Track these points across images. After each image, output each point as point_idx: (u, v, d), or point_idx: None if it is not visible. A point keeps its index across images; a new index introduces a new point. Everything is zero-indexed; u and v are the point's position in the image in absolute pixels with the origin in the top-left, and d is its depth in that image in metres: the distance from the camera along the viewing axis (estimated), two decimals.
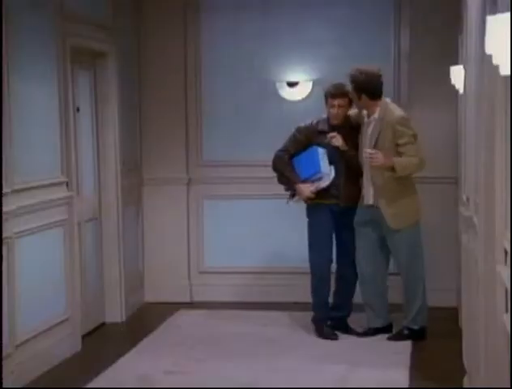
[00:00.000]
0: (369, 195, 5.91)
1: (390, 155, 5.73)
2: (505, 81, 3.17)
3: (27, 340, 5.32)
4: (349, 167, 6.01)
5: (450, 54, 6.57)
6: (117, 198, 6.77)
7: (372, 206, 5.88)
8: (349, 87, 5.90)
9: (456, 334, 5.88)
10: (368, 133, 5.87)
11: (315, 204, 6.07)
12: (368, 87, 5.80)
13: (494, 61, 2.91)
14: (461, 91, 5.91)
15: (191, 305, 7.28)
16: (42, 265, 5.54)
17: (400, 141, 5.72)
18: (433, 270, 7.01)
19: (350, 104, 5.98)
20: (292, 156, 6.14)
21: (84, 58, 6.45)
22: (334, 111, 5.99)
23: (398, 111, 5.88)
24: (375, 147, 5.79)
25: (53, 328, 5.66)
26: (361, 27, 7.08)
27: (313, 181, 6.03)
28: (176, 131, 7.35)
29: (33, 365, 5.35)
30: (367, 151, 5.75)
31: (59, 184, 5.81)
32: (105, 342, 6.30)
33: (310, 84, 7.18)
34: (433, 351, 5.82)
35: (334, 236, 6.16)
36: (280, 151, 6.16)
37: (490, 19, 2.88)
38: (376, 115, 5.83)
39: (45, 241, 5.60)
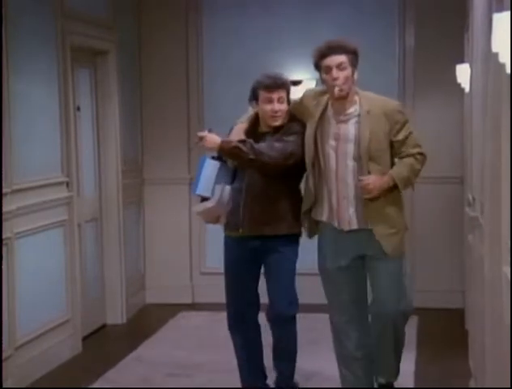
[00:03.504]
0: (346, 217, 4.24)
1: (382, 169, 4.22)
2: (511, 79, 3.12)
3: (27, 342, 5.29)
4: (263, 184, 4.41)
5: (455, 52, 6.52)
6: (117, 199, 6.72)
7: (356, 231, 4.25)
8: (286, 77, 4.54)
9: (462, 336, 5.85)
10: (347, 135, 4.22)
11: (225, 237, 4.60)
12: (357, 63, 4.26)
13: (500, 60, 2.88)
14: (467, 89, 5.86)
15: (193, 306, 7.25)
16: (42, 266, 5.50)
17: (400, 136, 4.22)
18: (439, 271, 6.98)
19: (288, 100, 4.47)
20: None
21: (85, 57, 6.41)
22: (274, 107, 4.37)
23: (385, 98, 4.34)
24: (369, 150, 4.19)
25: (53, 330, 5.63)
26: (366, 25, 7.01)
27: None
28: (177, 130, 7.30)
29: (33, 367, 5.32)
30: (361, 179, 4.16)
31: (59, 184, 5.77)
32: (106, 344, 6.26)
33: (314, 83, 7.12)
34: (438, 353, 5.76)
35: (252, 275, 4.59)
36: None
37: (496, 16, 2.86)
38: (353, 109, 4.23)
39: (45, 242, 5.56)
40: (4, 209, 4.91)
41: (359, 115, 4.22)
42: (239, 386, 5.10)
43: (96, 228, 6.61)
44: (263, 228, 4.42)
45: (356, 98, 4.25)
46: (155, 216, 7.35)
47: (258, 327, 4.69)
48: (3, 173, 4.93)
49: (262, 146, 4.30)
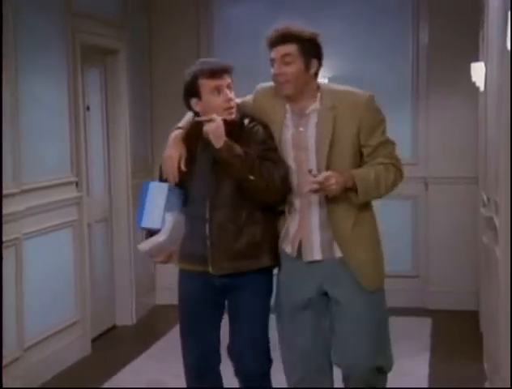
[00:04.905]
0: (308, 245, 3.40)
1: (345, 168, 3.34)
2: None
3: (36, 344, 5.26)
4: (237, 202, 3.41)
5: (470, 50, 6.45)
6: (127, 199, 6.67)
7: (320, 262, 3.39)
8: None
9: (476, 338, 5.78)
10: (306, 141, 3.39)
11: (180, 271, 3.73)
12: (320, 52, 3.45)
13: None
14: (481, 88, 5.79)
15: None
16: (51, 267, 5.47)
17: (372, 141, 3.35)
18: (453, 272, 6.91)
19: None
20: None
21: (94, 56, 6.37)
22: (227, 95, 3.52)
23: (355, 89, 3.45)
24: (330, 157, 3.34)
25: (62, 331, 5.60)
26: (379, 23, 6.94)
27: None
28: None
29: (42, 369, 5.29)
30: (312, 178, 3.26)
31: (69, 184, 5.73)
32: (116, 345, 6.22)
33: (326, 81, 7.05)
34: (452, 356, 5.70)
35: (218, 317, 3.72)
36: None
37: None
38: (313, 107, 3.40)
39: (54, 243, 5.53)
40: (13, 209, 4.89)
41: (319, 114, 3.39)
42: None
43: (106, 229, 6.57)
44: (240, 264, 3.44)
45: (318, 94, 3.42)
46: None
47: (220, 379, 3.75)
48: (9, 172, 4.90)
49: (267, 165, 3.36)
